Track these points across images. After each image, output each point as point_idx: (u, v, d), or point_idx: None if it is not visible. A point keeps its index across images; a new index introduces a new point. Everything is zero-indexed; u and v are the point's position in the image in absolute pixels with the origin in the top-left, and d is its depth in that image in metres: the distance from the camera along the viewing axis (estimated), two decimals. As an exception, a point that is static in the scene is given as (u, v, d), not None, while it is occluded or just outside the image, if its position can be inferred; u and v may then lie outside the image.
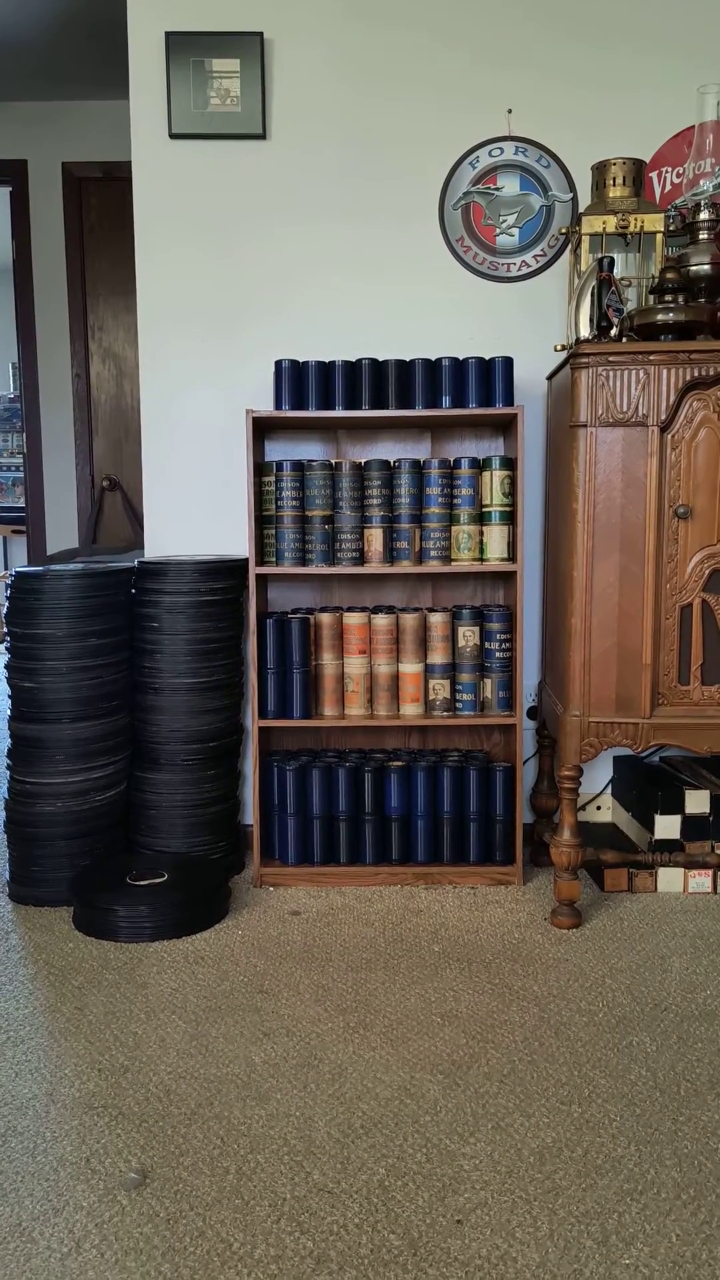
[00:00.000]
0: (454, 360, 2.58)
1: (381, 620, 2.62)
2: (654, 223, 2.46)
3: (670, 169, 2.71)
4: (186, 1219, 1.42)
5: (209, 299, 2.80)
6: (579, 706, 2.31)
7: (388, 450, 2.80)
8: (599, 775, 2.93)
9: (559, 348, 2.50)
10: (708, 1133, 1.61)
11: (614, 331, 2.29)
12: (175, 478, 2.85)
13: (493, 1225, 1.41)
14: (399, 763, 2.67)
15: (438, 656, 2.63)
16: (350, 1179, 1.50)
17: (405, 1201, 1.46)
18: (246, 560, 2.65)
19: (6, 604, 2.55)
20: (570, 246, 2.66)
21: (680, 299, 2.28)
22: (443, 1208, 1.44)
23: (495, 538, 2.59)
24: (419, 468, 2.59)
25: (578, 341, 2.31)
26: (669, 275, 2.30)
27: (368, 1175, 1.51)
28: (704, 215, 2.41)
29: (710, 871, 2.57)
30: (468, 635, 2.62)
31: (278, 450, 2.81)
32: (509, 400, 2.58)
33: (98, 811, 2.56)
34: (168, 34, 2.66)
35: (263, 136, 2.73)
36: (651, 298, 2.36)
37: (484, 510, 2.60)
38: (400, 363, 2.59)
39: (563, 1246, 1.36)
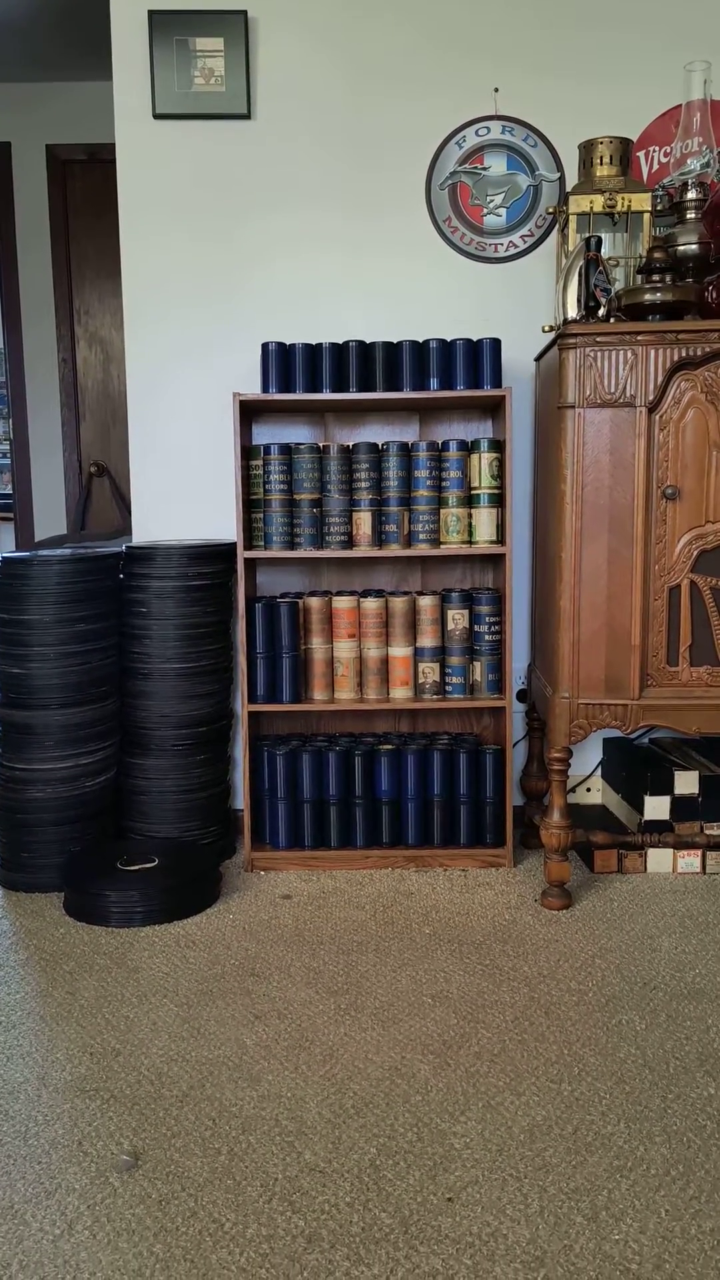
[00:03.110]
0: (441, 342, 2.57)
1: (370, 604, 2.61)
2: (641, 202, 2.45)
3: (658, 148, 2.70)
4: (178, 1200, 1.43)
5: (195, 281, 2.78)
6: (568, 688, 2.31)
7: (376, 433, 2.79)
8: (589, 757, 2.94)
9: (547, 328, 2.50)
10: (696, 1109, 1.62)
11: (601, 312, 2.29)
12: (162, 462, 2.83)
13: (483, 1203, 1.42)
14: (389, 746, 2.67)
15: (427, 640, 2.62)
16: (341, 1159, 1.51)
17: (396, 1180, 1.46)
18: (234, 544, 2.64)
19: (-6, 590, 2.54)
20: (558, 226, 2.64)
21: (668, 279, 2.28)
22: (434, 1186, 1.45)
23: (484, 520, 2.58)
24: (407, 450, 2.58)
25: (565, 322, 2.30)
26: (656, 255, 2.29)
27: (359, 1155, 1.52)
28: (691, 194, 2.40)
29: (699, 852, 2.58)
30: (457, 618, 2.62)
31: (265, 433, 2.80)
32: (497, 382, 2.57)
33: (88, 797, 2.55)
34: (151, 13, 2.63)
35: (247, 116, 2.70)
36: (639, 278, 2.35)
37: (473, 493, 2.59)
38: (387, 345, 2.58)
39: (553, 1223, 1.37)
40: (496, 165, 2.73)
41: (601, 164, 2.48)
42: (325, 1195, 1.43)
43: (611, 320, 2.29)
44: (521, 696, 2.84)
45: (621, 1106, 1.63)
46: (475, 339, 2.58)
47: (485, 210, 2.74)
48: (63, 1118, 1.61)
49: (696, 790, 2.60)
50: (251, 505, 2.63)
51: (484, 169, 2.73)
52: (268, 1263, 1.31)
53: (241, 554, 2.58)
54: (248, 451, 2.63)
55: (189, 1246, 1.34)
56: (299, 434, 2.79)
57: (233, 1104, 1.65)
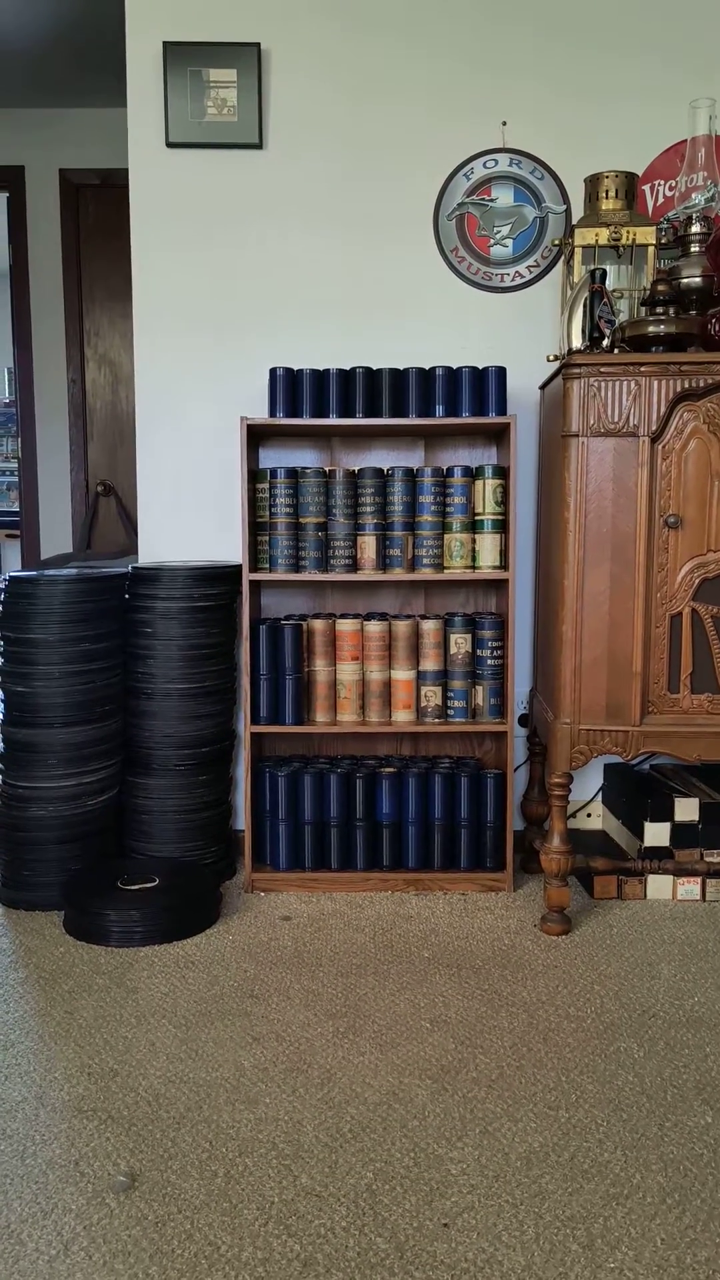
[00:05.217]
0: (447, 369, 2.60)
1: (374, 627, 2.63)
2: (646, 235, 2.49)
3: (663, 182, 2.74)
4: (174, 1222, 1.43)
5: (204, 307, 2.81)
6: (569, 714, 2.32)
7: (381, 458, 2.82)
8: (589, 783, 2.95)
9: (551, 358, 2.52)
10: (693, 1138, 1.62)
11: (605, 343, 2.32)
12: (170, 484, 2.86)
13: (479, 1229, 1.42)
14: (390, 769, 2.68)
15: (430, 663, 2.64)
16: (338, 1182, 1.51)
17: (392, 1205, 1.46)
18: (240, 566, 2.66)
19: (0, 608, 2.56)
20: (563, 258, 2.68)
21: (671, 311, 2.31)
22: (430, 1211, 1.45)
23: (488, 546, 2.60)
24: (412, 476, 2.60)
25: (570, 352, 2.33)
26: (660, 287, 2.32)
27: (355, 1179, 1.52)
28: (695, 228, 2.44)
29: (699, 879, 2.59)
30: (460, 642, 2.63)
31: (271, 457, 2.82)
32: (502, 409, 2.60)
33: (90, 816, 2.56)
34: (165, 44, 2.68)
35: (259, 146, 2.75)
36: (643, 310, 2.38)
37: (476, 518, 2.61)
38: (394, 371, 2.61)
39: (548, 1250, 1.37)
40: (504, 197, 2.77)
41: (607, 197, 2.51)
42: (321, 1219, 1.43)
43: (615, 351, 2.32)
44: (523, 721, 2.85)
45: (618, 1134, 1.63)
46: (481, 367, 2.61)
47: (492, 241, 2.78)
48: (60, 1138, 1.62)
49: (697, 817, 2.60)
50: (257, 528, 2.65)
51: (491, 200, 2.77)
52: (263, 1286, 1.31)
53: (246, 576, 2.60)
54: (254, 475, 2.65)
55: (184, 1269, 1.34)
56: (305, 458, 2.82)
57: (230, 1126, 1.65)
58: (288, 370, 2.61)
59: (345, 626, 2.64)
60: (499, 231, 2.77)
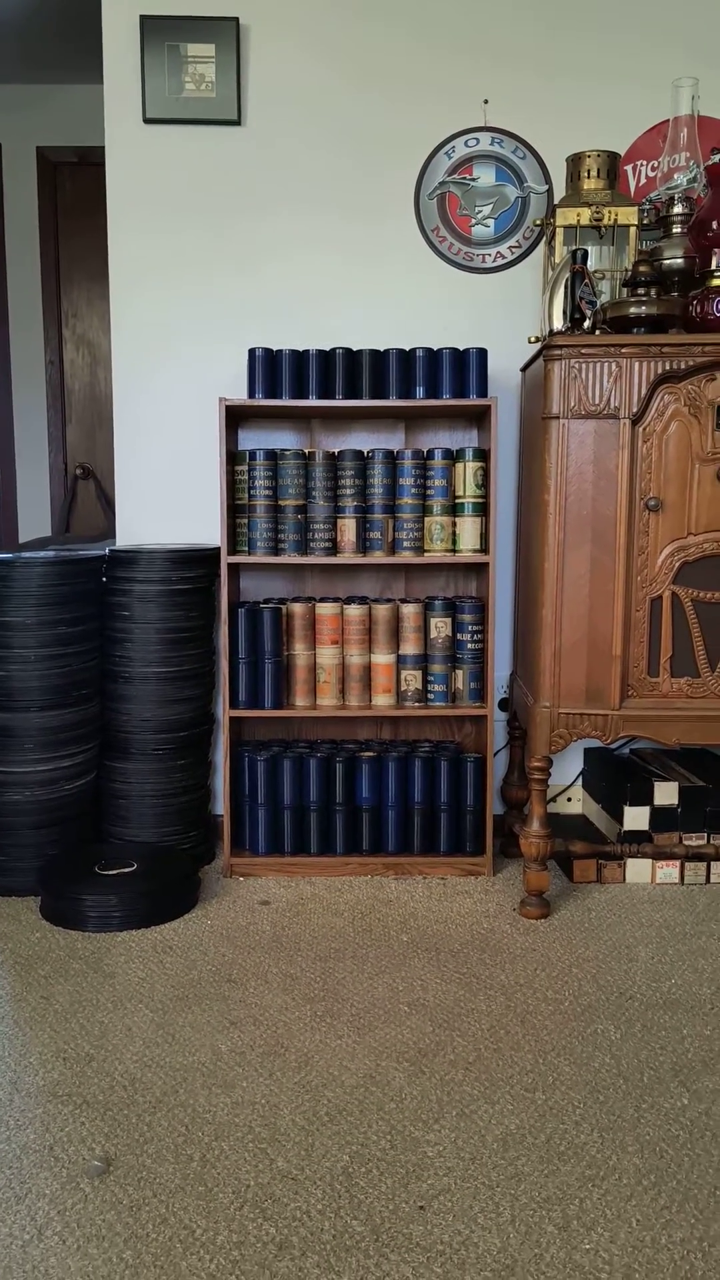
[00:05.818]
0: (428, 350, 2.57)
1: (354, 611, 2.61)
2: (628, 216, 2.47)
3: (645, 162, 2.72)
4: (149, 1206, 1.42)
5: (182, 286, 2.78)
6: (549, 698, 2.32)
7: (361, 440, 2.79)
8: (569, 767, 2.95)
9: (532, 339, 2.51)
10: (669, 1120, 1.62)
11: (587, 324, 2.30)
12: (148, 466, 2.83)
13: (455, 1211, 1.41)
14: (370, 753, 2.67)
15: (410, 647, 2.63)
16: (314, 1166, 1.51)
17: (369, 1188, 1.46)
18: (218, 549, 2.64)
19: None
20: (545, 238, 2.66)
21: (653, 292, 2.29)
22: (406, 1194, 1.45)
23: (468, 529, 2.59)
24: (392, 458, 2.58)
25: (551, 333, 2.31)
26: (642, 268, 2.31)
27: (332, 1162, 1.52)
28: (678, 209, 2.42)
29: (678, 863, 2.59)
30: (440, 626, 2.62)
31: (251, 439, 2.80)
32: (483, 391, 2.58)
33: (67, 800, 2.54)
34: (142, 17, 2.64)
35: (237, 123, 2.71)
36: (624, 291, 2.37)
37: (457, 501, 2.60)
38: (374, 352, 2.58)
39: (524, 1232, 1.37)
40: (485, 176, 2.74)
41: (589, 177, 2.49)
42: (297, 1202, 1.43)
43: (596, 332, 2.30)
44: (503, 705, 2.85)
45: (595, 1116, 1.63)
46: (462, 348, 2.59)
47: (473, 221, 2.76)
48: (35, 1123, 1.60)
49: (676, 801, 2.61)
50: (236, 510, 2.63)
51: (473, 180, 2.74)
52: (238, 1269, 1.31)
53: (225, 559, 2.58)
54: (233, 457, 2.63)
55: (159, 1253, 1.33)
56: (285, 440, 2.80)
57: (206, 1110, 1.64)
58: (267, 351, 2.58)
59: (325, 610, 2.62)
60: (480, 211, 2.75)
